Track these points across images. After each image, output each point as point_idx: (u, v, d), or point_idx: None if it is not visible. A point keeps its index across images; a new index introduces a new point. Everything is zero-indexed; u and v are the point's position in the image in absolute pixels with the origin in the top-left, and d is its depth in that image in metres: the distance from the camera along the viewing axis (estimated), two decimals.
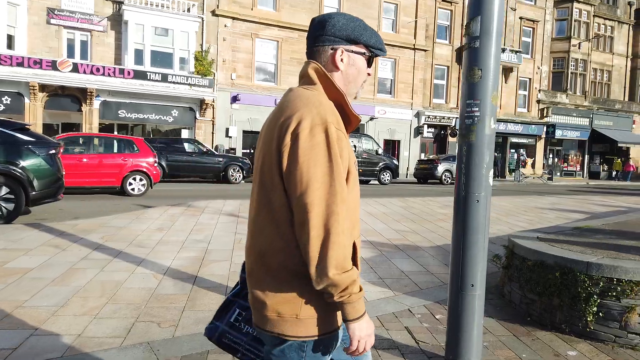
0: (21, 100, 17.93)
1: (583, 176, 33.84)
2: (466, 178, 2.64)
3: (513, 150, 30.58)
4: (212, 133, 21.48)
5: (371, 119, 25.04)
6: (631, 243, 4.30)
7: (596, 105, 33.07)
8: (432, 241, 6.57)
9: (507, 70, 29.05)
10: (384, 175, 20.28)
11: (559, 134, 31.44)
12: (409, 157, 26.65)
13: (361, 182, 18.27)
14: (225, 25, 21.49)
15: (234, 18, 21.58)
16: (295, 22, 22.53)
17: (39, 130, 17.40)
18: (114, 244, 5.57)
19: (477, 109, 2.60)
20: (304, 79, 1.38)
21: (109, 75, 18.58)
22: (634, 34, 35.05)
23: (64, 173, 7.81)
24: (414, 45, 26.03)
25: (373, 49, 1.42)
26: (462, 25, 26.94)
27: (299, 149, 1.19)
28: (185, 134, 21.23)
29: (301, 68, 1.41)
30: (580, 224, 5.94)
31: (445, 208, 10.13)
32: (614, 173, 33.21)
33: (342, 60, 1.38)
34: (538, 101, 31.05)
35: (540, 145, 31.67)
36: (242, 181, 17.25)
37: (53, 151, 7.48)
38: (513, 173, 27.78)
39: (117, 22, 19.64)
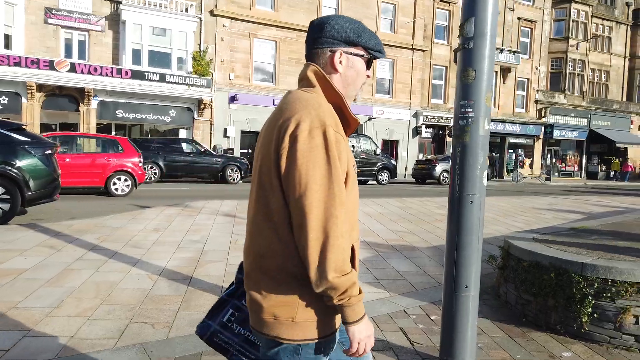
0: (18, 100, 17.87)
1: (581, 176, 33.88)
2: (460, 179, 2.63)
3: (511, 151, 30.59)
4: (210, 133, 21.46)
5: (369, 119, 25.03)
6: (627, 244, 4.30)
7: (594, 105, 33.12)
8: (429, 242, 6.57)
9: (505, 71, 29.06)
10: (382, 175, 20.29)
11: (557, 134, 31.47)
12: (407, 157, 26.65)
13: (359, 182, 18.25)
14: (223, 25, 21.46)
15: (232, 18, 21.55)
16: (293, 22, 22.50)
17: (36, 130, 17.36)
18: (110, 245, 5.55)
19: (471, 109, 2.59)
20: (303, 82, 1.38)
21: (107, 75, 18.52)
22: (631, 34, 35.11)
23: (60, 173, 7.80)
24: (412, 45, 26.02)
25: (372, 51, 1.41)
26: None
27: (297, 151, 1.19)
28: (183, 134, 21.19)
29: (301, 70, 1.41)
30: (576, 224, 5.95)
31: (442, 208, 10.13)
32: (612, 173, 33.27)
33: (340, 62, 1.38)
34: (536, 101, 31.08)
35: (538, 146, 31.69)
36: (240, 181, 17.24)
37: (49, 151, 7.48)
38: (511, 173, 27.79)
39: (115, 21, 19.60)
